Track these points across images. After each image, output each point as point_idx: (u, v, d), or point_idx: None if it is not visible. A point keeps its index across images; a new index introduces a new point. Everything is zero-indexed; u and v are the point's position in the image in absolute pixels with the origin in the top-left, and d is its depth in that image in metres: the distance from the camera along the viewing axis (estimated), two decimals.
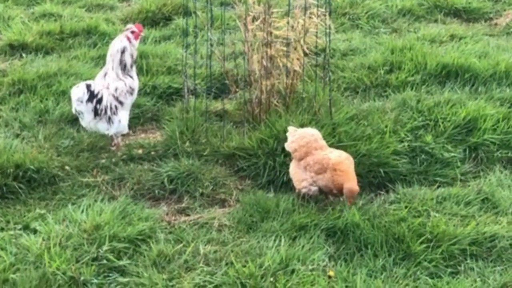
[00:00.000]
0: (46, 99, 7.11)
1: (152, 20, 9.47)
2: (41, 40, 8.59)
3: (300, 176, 5.62)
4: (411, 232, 5.24)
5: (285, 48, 6.56)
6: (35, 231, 5.23)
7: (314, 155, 5.57)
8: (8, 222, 5.39)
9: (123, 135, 6.56)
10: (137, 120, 7.01)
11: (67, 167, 6.11)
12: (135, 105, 7.05)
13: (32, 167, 5.87)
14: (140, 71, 7.71)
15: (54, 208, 5.59)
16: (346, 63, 8.12)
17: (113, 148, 6.46)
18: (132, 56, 6.40)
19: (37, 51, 8.39)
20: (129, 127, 6.78)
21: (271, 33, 6.48)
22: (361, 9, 9.76)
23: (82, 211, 5.39)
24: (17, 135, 6.56)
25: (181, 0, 8.66)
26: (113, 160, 6.27)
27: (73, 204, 5.59)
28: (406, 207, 5.57)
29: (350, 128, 6.42)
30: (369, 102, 7.21)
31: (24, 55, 8.32)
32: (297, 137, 5.69)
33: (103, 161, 6.27)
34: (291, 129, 5.80)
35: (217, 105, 6.92)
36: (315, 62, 6.98)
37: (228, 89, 7.17)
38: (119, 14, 9.84)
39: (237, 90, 6.85)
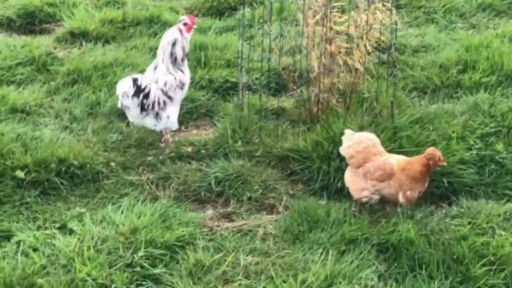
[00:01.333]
0: (99, 90, 6.90)
1: (217, 9, 9.17)
2: (103, 28, 8.40)
3: (359, 184, 5.22)
4: (472, 252, 4.79)
5: (346, 45, 6.15)
6: (71, 232, 5.00)
7: (374, 161, 5.17)
8: (46, 220, 5.18)
9: (172, 131, 6.28)
10: (189, 115, 6.73)
11: (112, 164, 5.88)
12: (189, 100, 6.77)
13: (75, 162, 5.65)
14: (197, 63, 7.45)
15: (95, 207, 5.36)
16: (417, 61, 7.64)
17: (162, 145, 6.20)
18: (183, 49, 6.10)
19: (97, 39, 8.19)
20: (181, 122, 6.53)
21: (331, 28, 6.08)
22: (437, 2, 9.23)
23: (122, 212, 5.13)
24: (66, 128, 6.35)
25: None
26: (160, 157, 6.00)
27: (114, 203, 5.34)
28: (469, 223, 5.11)
29: (414, 132, 5.97)
30: (437, 104, 6.73)
31: (84, 43, 8.13)
32: (354, 142, 5.28)
33: (150, 158, 6.00)
34: (347, 133, 5.40)
35: (273, 103, 6.56)
36: (380, 60, 6.54)
37: (286, 86, 6.79)
38: (184, 2, 9.58)
39: (294, 87, 6.47)
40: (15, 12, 8.92)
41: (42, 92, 6.97)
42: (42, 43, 8.08)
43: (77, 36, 8.29)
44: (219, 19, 8.90)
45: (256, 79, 7.04)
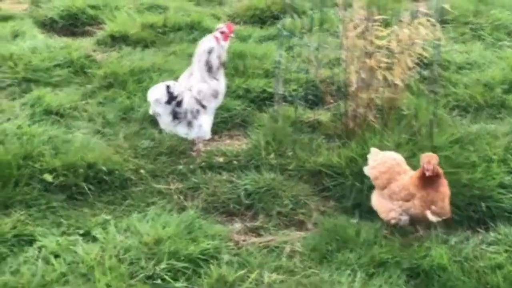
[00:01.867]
0: (134, 95, 6.83)
1: (259, 18, 9.08)
2: (143, 32, 8.36)
3: (386, 206, 5.04)
4: (507, 282, 4.56)
5: (387, 60, 5.97)
6: (94, 239, 4.91)
7: (398, 181, 4.99)
8: (70, 225, 5.09)
9: (205, 140, 6.17)
10: (224, 125, 6.61)
11: (142, 171, 5.78)
12: (224, 109, 6.66)
13: (104, 168, 5.57)
14: (235, 72, 7.35)
15: (121, 215, 5.26)
16: (460, 78, 7.44)
17: (193, 154, 6.09)
18: (219, 57, 5.99)
19: (137, 43, 8.16)
20: (215, 131, 6.42)
21: (372, 42, 5.91)
22: (485, 19, 9.01)
23: (147, 222, 5.03)
24: (98, 132, 6.29)
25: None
26: (191, 167, 5.89)
27: (140, 212, 5.23)
28: (506, 251, 4.89)
29: (453, 152, 5.77)
30: (479, 124, 6.52)
31: (123, 47, 8.09)
32: (378, 162, 5.12)
33: (180, 167, 5.90)
34: (373, 152, 5.24)
35: (310, 115, 6.40)
36: (421, 76, 6.36)
37: (323, 98, 6.64)
38: (227, 9, 9.51)
39: (332, 101, 6.31)
40: (58, 13, 8.94)
41: (77, 94, 6.92)
42: (81, 46, 8.07)
43: (117, 40, 8.26)
44: (261, 28, 8.80)
45: (294, 90, 6.92)
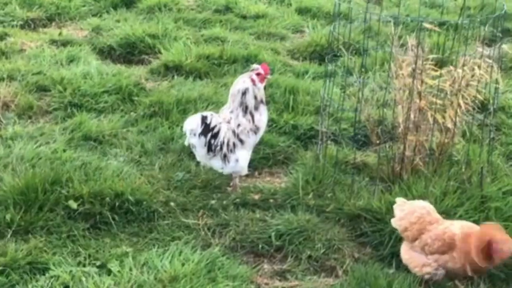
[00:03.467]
0: (177, 125, 6.62)
1: (319, 54, 8.78)
2: (198, 63, 8.18)
3: (418, 260, 4.64)
4: None
5: (439, 101, 5.60)
6: (109, 272, 4.68)
7: (431, 231, 4.59)
8: (88, 256, 4.88)
9: (242, 176, 5.90)
10: (265, 161, 6.33)
11: (172, 204, 5.55)
12: (268, 144, 6.40)
13: (132, 198, 5.36)
14: (285, 107, 7.08)
15: (143, 248, 5.03)
16: None
17: (229, 189, 5.82)
18: (256, 97, 5.73)
19: (190, 74, 7.98)
20: (255, 167, 6.18)
21: (423, 81, 5.56)
22: None
23: (167, 257, 4.77)
24: (135, 161, 6.10)
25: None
26: (224, 202, 5.62)
27: (164, 246, 4.99)
28: None
29: (505, 204, 5.33)
30: None
31: (176, 77, 7.93)
32: (406, 212, 4.73)
33: (213, 202, 5.64)
34: (399, 202, 4.85)
35: (354, 156, 6.05)
36: (476, 120, 5.95)
37: (369, 139, 6.29)
38: (288, 44, 9.26)
39: (378, 142, 5.96)
40: (117, 41, 8.87)
41: (120, 122, 6.76)
42: (133, 73, 7.95)
43: (171, 69, 8.11)
44: (319, 64, 8.51)
45: (344, 129, 6.60)
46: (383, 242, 5.21)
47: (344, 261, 5.06)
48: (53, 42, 8.89)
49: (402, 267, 4.92)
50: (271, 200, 5.70)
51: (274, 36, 9.50)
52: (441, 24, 6.22)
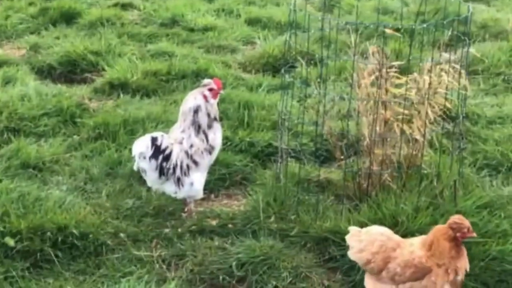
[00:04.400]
0: (125, 148, 6.13)
1: (273, 66, 8.37)
2: (144, 80, 7.70)
3: None
4: None
5: (405, 111, 5.21)
6: None
7: (397, 258, 4.16)
8: None
9: (197, 200, 5.44)
10: (221, 182, 5.87)
11: (121, 235, 5.05)
12: (223, 164, 5.95)
13: (75, 232, 4.85)
14: (239, 124, 6.64)
15: (91, 286, 4.51)
16: (491, 133, 6.63)
17: (184, 216, 5.35)
18: (209, 115, 5.27)
19: (136, 92, 7.49)
20: (211, 190, 5.72)
21: (387, 91, 5.18)
22: None
23: None
24: (79, 188, 5.59)
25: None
26: (179, 230, 5.16)
27: (112, 285, 4.48)
28: None
29: (480, 219, 4.98)
30: None
31: (122, 95, 7.43)
32: (365, 243, 4.25)
33: (166, 230, 5.16)
34: (353, 231, 4.36)
35: (318, 173, 5.62)
36: (445, 130, 5.59)
37: (332, 154, 5.89)
38: (239, 57, 8.82)
39: (342, 157, 5.55)
40: (57, 59, 8.33)
41: (62, 147, 6.24)
42: (76, 93, 7.42)
43: (116, 88, 7.61)
44: (273, 76, 8.09)
45: (303, 145, 6.17)
46: (354, 267, 4.78)
47: None
48: None
49: None
50: (230, 226, 5.25)
51: (224, 49, 9.06)
52: (397, 30, 5.84)
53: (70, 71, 8.26)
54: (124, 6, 10.56)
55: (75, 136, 6.47)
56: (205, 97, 5.26)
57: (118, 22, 9.76)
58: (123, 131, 6.40)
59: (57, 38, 9.18)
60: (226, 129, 6.46)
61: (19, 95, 7.12)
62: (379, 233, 4.29)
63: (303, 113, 5.70)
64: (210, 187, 5.76)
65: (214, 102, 5.30)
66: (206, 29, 9.66)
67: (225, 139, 6.33)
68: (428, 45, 6.18)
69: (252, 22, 10.10)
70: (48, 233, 4.80)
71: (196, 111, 5.23)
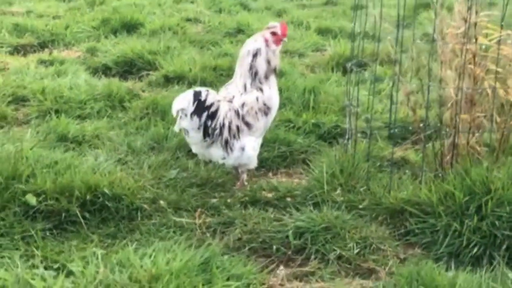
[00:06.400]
0: (173, 124, 5.45)
1: (343, 67, 7.63)
2: (203, 73, 7.07)
3: None
4: None
5: (498, 69, 4.40)
6: (70, 273, 3.44)
7: None
8: (45, 258, 3.66)
9: (251, 170, 4.70)
10: (280, 160, 5.13)
11: (161, 202, 4.34)
12: (284, 142, 5.22)
13: (108, 192, 4.15)
14: (304, 108, 5.92)
15: (120, 249, 3.78)
16: None
17: (235, 187, 4.61)
18: (268, 62, 4.57)
19: (193, 83, 6.85)
20: (269, 167, 4.97)
21: (477, 40, 4.38)
22: None
23: (149, 255, 3.53)
24: (119, 160, 4.91)
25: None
26: (228, 200, 4.41)
27: (144, 246, 3.75)
28: None
29: None
30: None
31: (177, 87, 6.81)
32: None
33: (214, 200, 4.43)
34: None
35: (391, 151, 4.81)
36: None
37: (410, 133, 5.11)
38: (307, 61, 8.14)
39: (420, 127, 4.73)
40: (113, 59, 7.80)
41: (106, 124, 5.63)
42: (128, 85, 6.83)
43: (171, 80, 7.01)
44: (343, 74, 7.36)
45: (377, 128, 5.41)
46: (436, 241, 3.96)
47: (386, 262, 3.80)
48: (41, 61, 7.83)
49: (464, 270, 3.64)
50: (289, 199, 4.49)
51: (291, 53, 8.40)
52: None
53: (126, 70, 7.69)
54: (189, 20, 10.08)
55: (120, 115, 5.84)
56: (266, 40, 4.58)
57: (181, 31, 9.24)
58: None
59: (116, 43, 8.70)
60: (287, 111, 5.76)
61: (68, 84, 6.58)
62: None
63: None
64: (268, 164, 5.04)
65: (276, 48, 4.60)
66: None
67: (288, 121, 5.63)
68: None
69: (322, 32, 9.47)
70: (76, 192, 4.11)
71: (255, 54, 4.55)
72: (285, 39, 4.69)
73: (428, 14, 9.71)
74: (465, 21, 4.36)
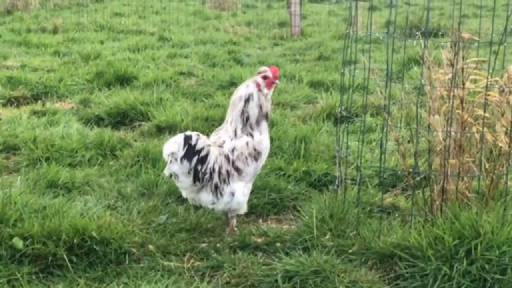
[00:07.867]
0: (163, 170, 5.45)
1: (335, 118, 7.67)
2: (195, 124, 7.10)
3: None
4: None
5: (486, 114, 4.43)
6: None
7: None
8: None
9: (240, 215, 4.68)
10: (270, 207, 5.11)
11: (150, 246, 4.32)
12: (274, 189, 5.20)
13: (96, 236, 4.13)
14: (295, 156, 5.92)
15: None
16: None
17: (226, 233, 4.59)
18: (260, 107, 4.59)
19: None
20: (259, 213, 4.96)
21: (464, 85, 4.42)
22: None
23: None
24: (108, 207, 4.90)
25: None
26: (218, 245, 4.38)
27: None
28: None
29: None
30: None
31: (169, 136, 6.81)
32: None
33: (203, 245, 4.40)
34: None
35: (380, 197, 4.81)
36: None
37: (400, 180, 5.12)
38: (299, 112, 8.18)
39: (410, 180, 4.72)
40: (106, 110, 7.83)
41: (96, 171, 5.62)
42: (120, 135, 6.85)
43: (163, 130, 7.03)
44: (334, 125, 7.39)
45: (367, 176, 5.42)
46: (426, 285, 3.94)
47: None
48: (34, 112, 7.86)
49: None
50: (278, 244, 4.47)
51: (283, 105, 8.45)
52: None
53: (119, 121, 7.71)
54: (183, 74, 10.16)
55: (111, 163, 5.84)
56: (258, 85, 4.60)
57: (174, 84, 9.31)
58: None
59: (110, 95, 8.75)
60: (279, 160, 5.77)
61: (60, 133, 6.60)
62: None
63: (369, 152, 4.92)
64: (258, 211, 5.03)
65: (268, 92, 4.62)
66: None
67: (278, 169, 5.63)
68: None
69: (314, 85, 9.51)
70: (64, 236, 4.09)
71: (247, 100, 4.56)
72: (277, 81, 4.72)
73: (419, 69, 9.84)
74: (452, 66, 4.41)
